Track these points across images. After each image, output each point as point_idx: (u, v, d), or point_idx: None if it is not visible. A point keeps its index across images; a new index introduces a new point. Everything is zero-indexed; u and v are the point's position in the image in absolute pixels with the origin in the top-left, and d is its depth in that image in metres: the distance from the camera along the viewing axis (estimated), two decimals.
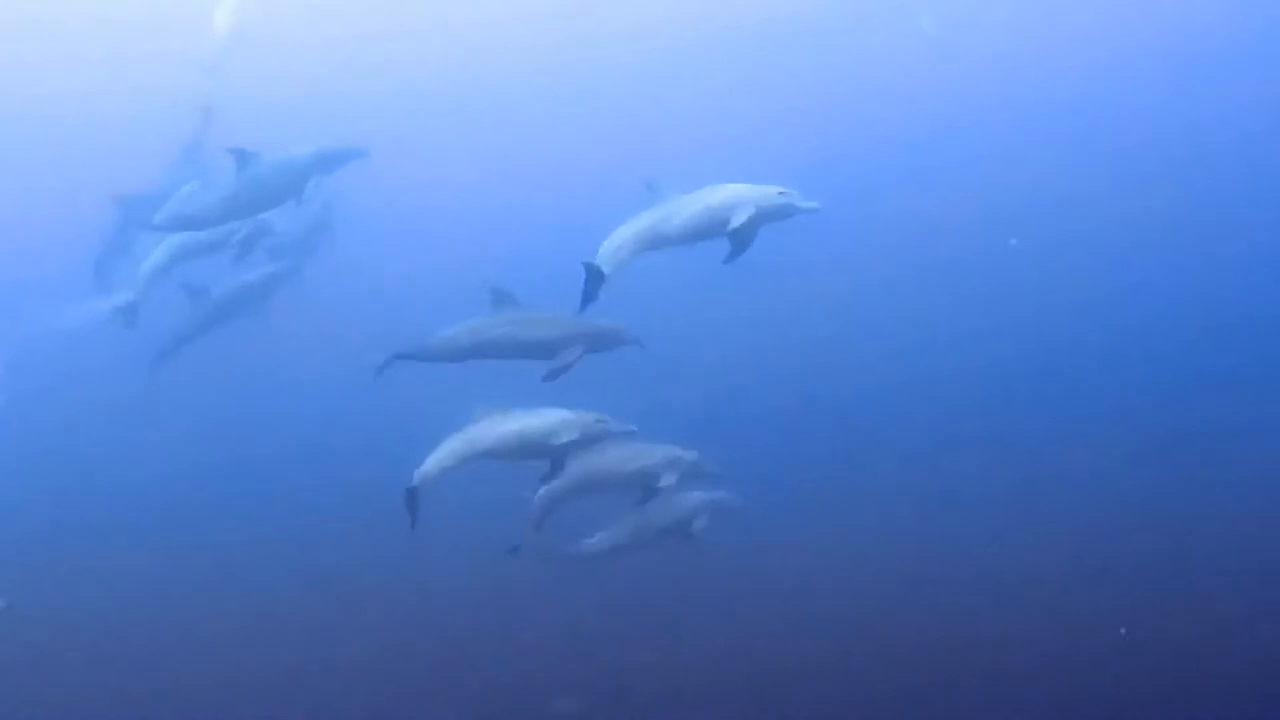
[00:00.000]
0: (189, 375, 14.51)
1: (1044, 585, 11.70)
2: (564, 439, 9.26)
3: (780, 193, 8.64)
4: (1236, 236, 18.46)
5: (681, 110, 19.90)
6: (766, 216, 8.62)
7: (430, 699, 10.59)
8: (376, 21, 19.82)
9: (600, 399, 9.48)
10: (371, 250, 16.88)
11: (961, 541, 13.00)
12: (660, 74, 20.28)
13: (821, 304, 17.58)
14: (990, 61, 20.39)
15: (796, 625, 11.25)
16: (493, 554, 10.66)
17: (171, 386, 15.04)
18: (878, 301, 18.07)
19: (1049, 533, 12.96)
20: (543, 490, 10.32)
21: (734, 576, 12.05)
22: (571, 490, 10.17)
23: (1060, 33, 20.44)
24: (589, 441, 9.37)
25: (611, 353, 9.53)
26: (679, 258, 9.37)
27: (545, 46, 20.14)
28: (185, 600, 12.56)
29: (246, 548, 13.71)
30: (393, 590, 12.53)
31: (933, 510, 13.96)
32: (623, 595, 11.81)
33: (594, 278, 8.75)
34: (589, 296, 8.81)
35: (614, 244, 8.92)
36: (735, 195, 8.70)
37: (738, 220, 8.54)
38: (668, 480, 10.34)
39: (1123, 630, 10.87)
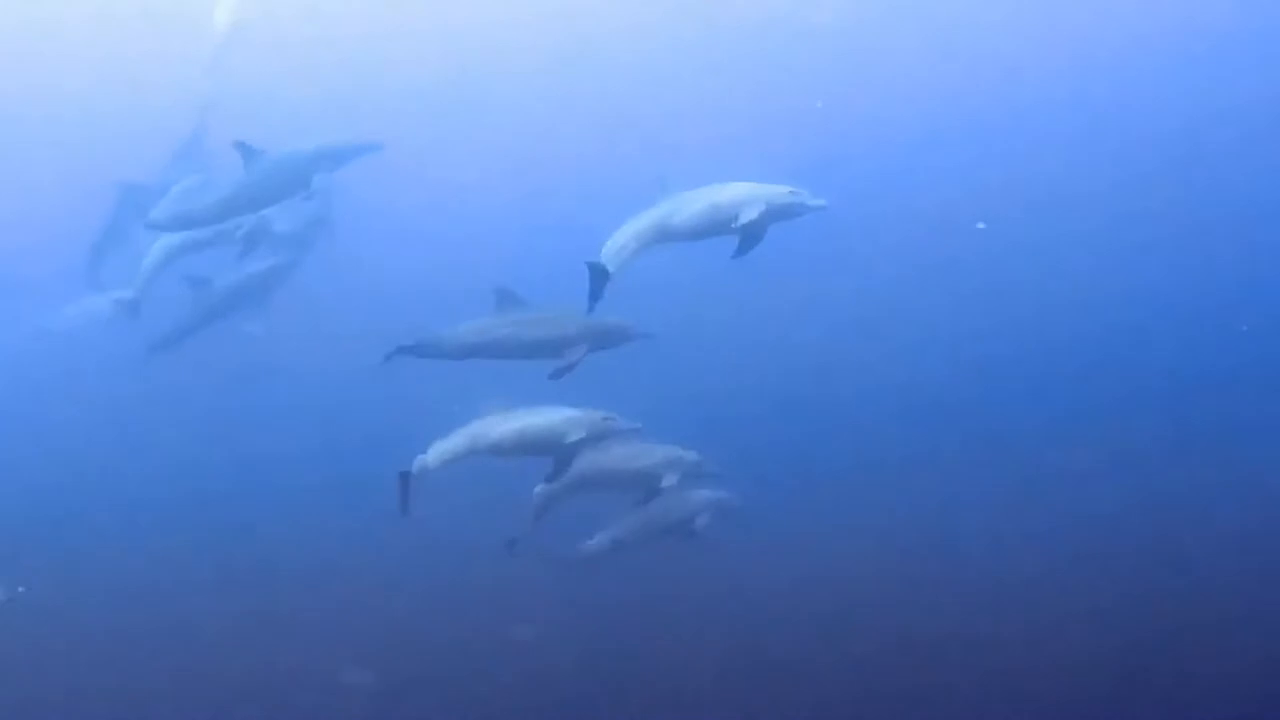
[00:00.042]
0: (194, 372, 14.52)
1: (1044, 585, 11.71)
2: (571, 436, 9.26)
3: (790, 192, 8.68)
4: (1237, 237, 18.46)
5: (684, 109, 19.88)
6: (776, 214, 8.66)
7: (430, 698, 10.58)
8: (379, 19, 19.81)
9: (601, 398, 9.47)
10: (375, 248, 16.86)
11: (961, 541, 13.02)
12: (663, 73, 20.26)
13: (821, 303, 17.57)
14: (990, 62, 20.37)
15: (796, 625, 11.25)
16: (493, 553, 10.66)
17: (176, 384, 15.07)
18: (878, 301, 18.05)
19: (1049, 533, 12.97)
20: (543, 484, 10.33)
21: (734, 576, 12.05)
22: (572, 487, 10.16)
23: (1061, 33, 20.43)
24: (596, 439, 9.36)
25: (614, 350, 9.51)
26: (678, 258, 9.37)
27: (549, 45, 20.12)
28: (184, 598, 12.54)
29: (247, 546, 13.71)
30: (393, 589, 12.53)
31: (932, 510, 13.96)
32: (623, 595, 11.81)
33: (598, 277, 8.76)
34: (595, 296, 8.81)
35: (618, 241, 8.92)
36: (744, 193, 8.73)
37: (747, 217, 8.58)
38: (669, 481, 10.36)
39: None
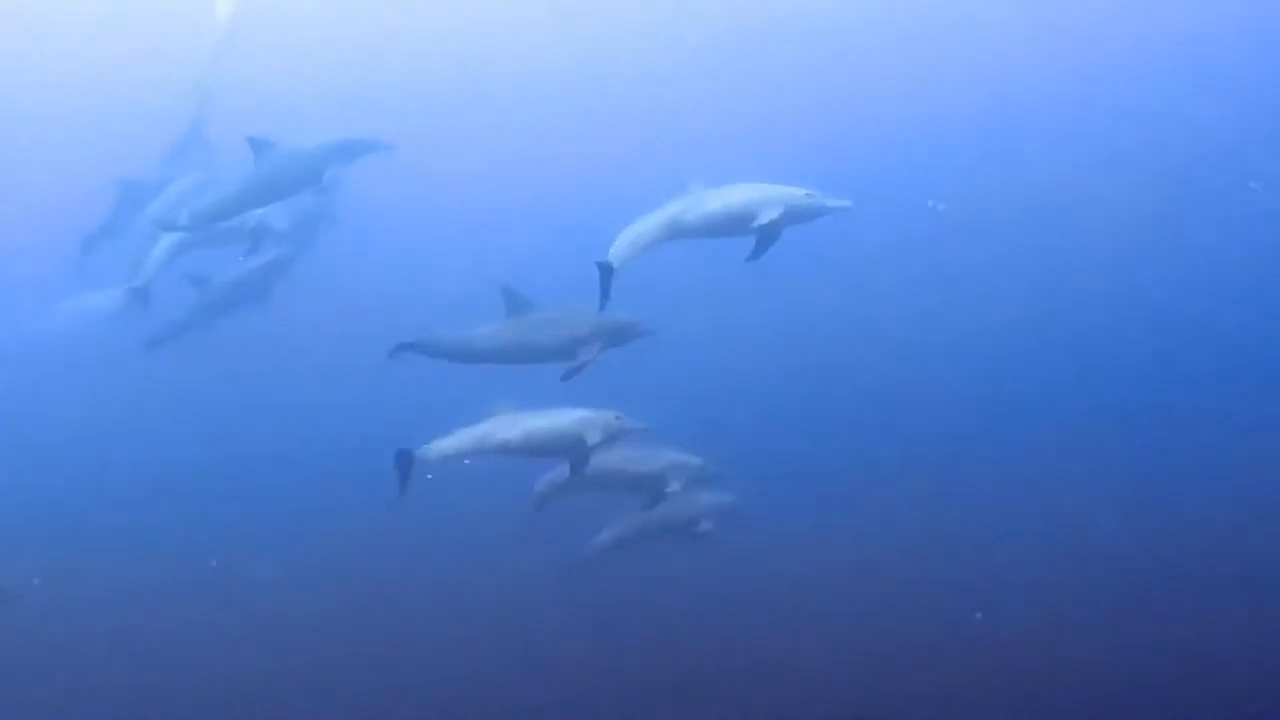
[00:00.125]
0: (195, 371, 14.52)
1: (1045, 587, 11.72)
2: (589, 437, 9.23)
3: (807, 194, 8.68)
4: (1238, 239, 18.46)
5: (687, 109, 19.89)
6: (795, 216, 8.66)
7: (430, 698, 10.58)
8: (383, 19, 19.80)
9: (602, 398, 9.47)
10: (377, 249, 16.90)
11: (961, 543, 13.01)
12: (667, 73, 20.27)
13: (821, 304, 17.56)
14: (992, 63, 20.37)
15: (797, 625, 11.25)
16: (494, 553, 10.67)
17: (177, 382, 15.06)
18: (879, 303, 18.06)
19: (1050, 534, 12.97)
20: (546, 477, 10.32)
21: (734, 576, 12.05)
22: (576, 485, 10.13)
23: (1063, 34, 20.43)
24: (608, 439, 9.34)
25: (615, 350, 9.50)
26: (679, 259, 9.38)
27: (552, 45, 20.12)
28: (184, 598, 12.54)
29: (247, 546, 13.71)
30: (394, 587, 12.53)
31: (933, 512, 13.96)
32: (624, 595, 11.81)
33: (607, 274, 8.77)
34: (605, 293, 8.81)
35: (628, 237, 8.92)
36: (763, 194, 8.72)
37: (766, 218, 8.58)
38: (674, 486, 10.36)
39: (978, 615, 10.95)
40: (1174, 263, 18.35)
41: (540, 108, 20.54)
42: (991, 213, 18.66)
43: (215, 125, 13.02)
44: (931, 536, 13.30)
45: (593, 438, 9.21)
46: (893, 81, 20.43)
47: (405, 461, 8.96)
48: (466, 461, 9.31)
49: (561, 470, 10.13)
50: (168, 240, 11.89)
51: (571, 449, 9.39)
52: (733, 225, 8.80)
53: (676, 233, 8.96)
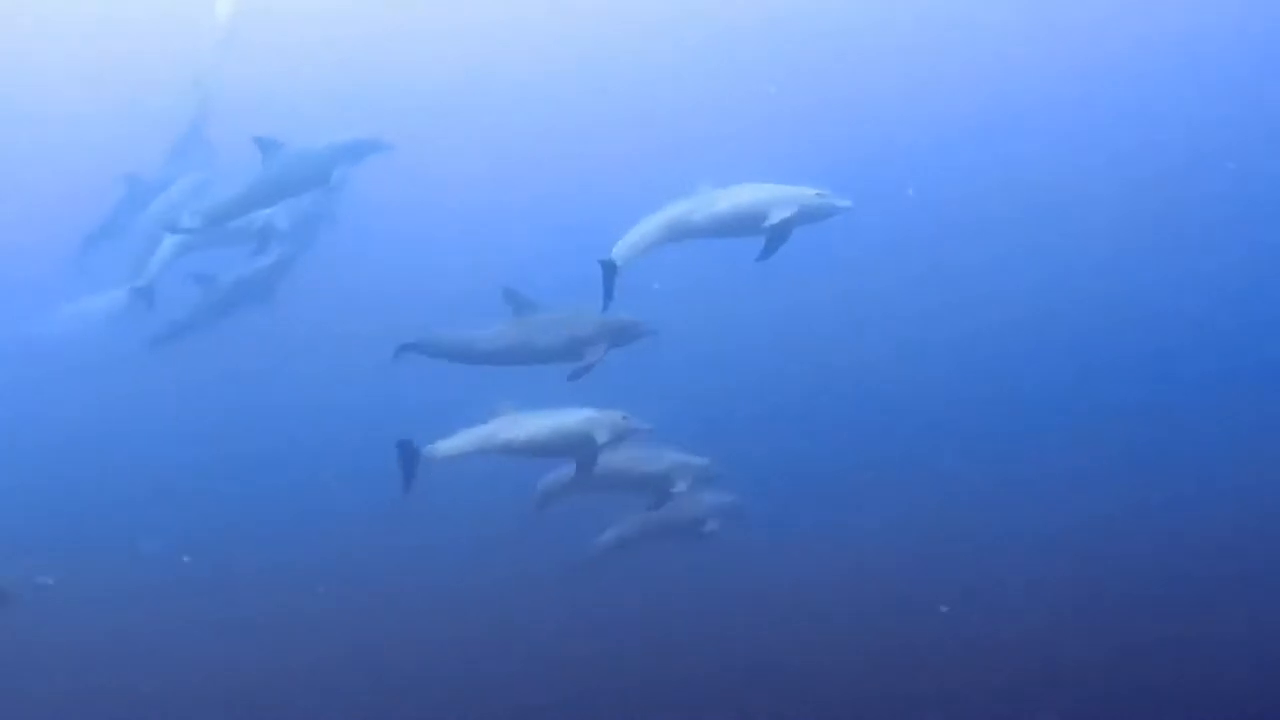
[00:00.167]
0: (197, 372, 14.52)
1: (1047, 588, 11.71)
2: (598, 436, 9.23)
3: (817, 194, 8.69)
4: (1237, 238, 18.47)
5: (687, 110, 19.90)
6: (805, 216, 8.66)
7: (431, 698, 10.57)
8: (386, 17, 19.81)
9: (604, 399, 9.47)
10: (378, 249, 16.91)
11: (963, 543, 13.02)
12: (670, 73, 20.28)
13: (822, 305, 17.58)
14: (994, 64, 20.38)
15: (797, 625, 11.25)
16: (495, 553, 10.66)
17: (178, 383, 15.05)
18: (879, 303, 18.07)
19: (1052, 535, 12.97)
20: (549, 477, 10.32)
21: (735, 577, 12.04)
22: (579, 485, 10.13)
23: (1065, 35, 20.44)
24: (614, 440, 9.34)
25: (616, 351, 9.50)
26: (681, 260, 9.38)
27: (556, 44, 20.13)
28: (184, 598, 12.54)
29: (247, 546, 13.72)
30: (394, 587, 12.53)
31: (934, 513, 13.96)
32: (625, 595, 11.82)
33: (610, 273, 8.77)
34: (608, 292, 8.81)
35: (633, 236, 8.92)
36: (773, 194, 8.72)
37: (778, 218, 8.58)
38: (680, 487, 10.36)
39: (943, 609, 10.96)
40: (1174, 263, 18.37)
41: (541, 108, 20.56)
42: (992, 213, 18.68)
43: (216, 125, 13.04)
44: (932, 536, 13.31)
45: (600, 438, 9.22)
46: (893, 82, 20.45)
47: (408, 454, 8.94)
48: (472, 461, 9.31)
49: (564, 470, 10.14)
50: (172, 240, 11.89)
51: (578, 449, 9.39)
52: (743, 225, 8.80)
53: (684, 233, 8.96)
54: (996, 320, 17.80)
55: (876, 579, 12.11)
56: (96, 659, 11.22)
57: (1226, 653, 10.03)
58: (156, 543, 13.42)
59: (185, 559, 13.22)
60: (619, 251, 8.86)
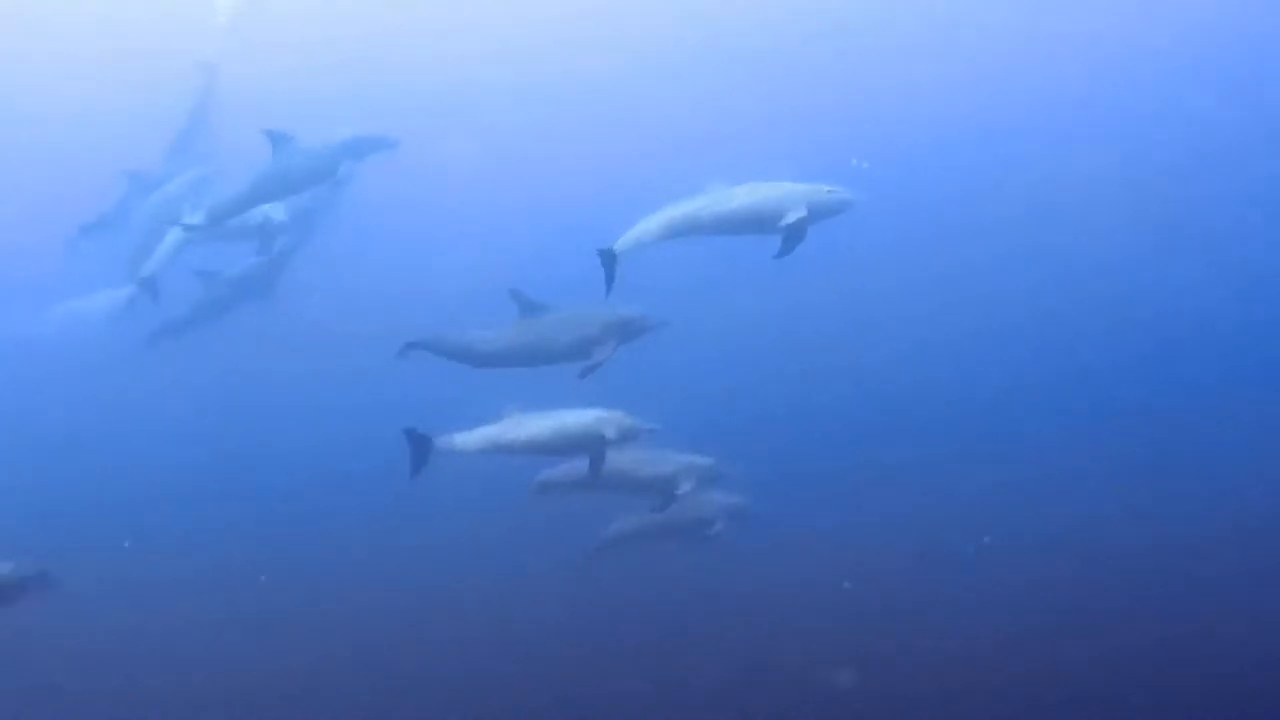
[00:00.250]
0: (196, 371, 14.50)
1: (1045, 586, 11.71)
2: (598, 436, 9.24)
3: (829, 190, 8.71)
4: (1240, 241, 18.48)
5: (688, 110, 19.90)
6: (821, 213, 8.68)
7: (431, 698, 10.56)
8: (386, 17, 19.82)
9: (607, 398, 9.47)
10: (381, 247, 16.90)
11: (965, 544, 13.02)
12: (671, 73, 20.28)
13: (825, 305, 17.57)
14: (994, 63, 20.38)
15: (798, 626, 11.24)
16: (495, 553, 10.66)
17: (178, 382, 15.04)
18: (882, 304, 18.08)
19: (1053, 536, 12.97)
20: (553, 470, 10.33)
21: (737, 577, 12.04)
22: (586, 485, 10.13)
23: (1066, 36, 20.43)
24: (623, 440, 9.36)
25: (624, 347, 9.50)
26: (682, 261, 9.37)
27: (556, 44, 20.13)
28: (184, 598, 12.53)
29: (247, 545, 13.71)
30: (394, 587, 12.53)
31: (935, 514, 13.96)
32: (626, 595, 11.81)
33: (610, 262, 8.78)
34: (609, 281, 8.82)
35: (639, 228, 8.93)
36: (789, 192, 8.73)
37: (795, 216, 8.59)
38: (685, 488, 10.36)
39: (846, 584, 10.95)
40: (1175, 264, 18.37)
41: (541, 107, 20.55)
42: (992, 213, 18.67)
43: (216, 123, 13.04)
44: (932, 536, 13.31)
45: (608, 437, 9.24)
46: (894, 82, 20.44)
47: (418, 442, 8.98)
48: (474, 461, 9.33)
49: (568, 464, 10.15)
50: (176, 233, 11.89)
51: (586, 449, 9.42)
52: (754, 223, 8.82)
53: (693, 230, 8.98)
54: (997, 321, 17.81)
55: (876, 579, 12.10)
56: (96, 659, 11.21)
57: (1227, 653, 10.04)
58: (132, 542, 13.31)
59: (126, 544, 13.17)
60: (622, 241, 8.88)
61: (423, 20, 20.00)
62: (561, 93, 20.55)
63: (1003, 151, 19.92)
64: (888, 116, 20.41)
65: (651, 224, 8.94)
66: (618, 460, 9.82)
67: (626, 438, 9.37)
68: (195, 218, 11.11)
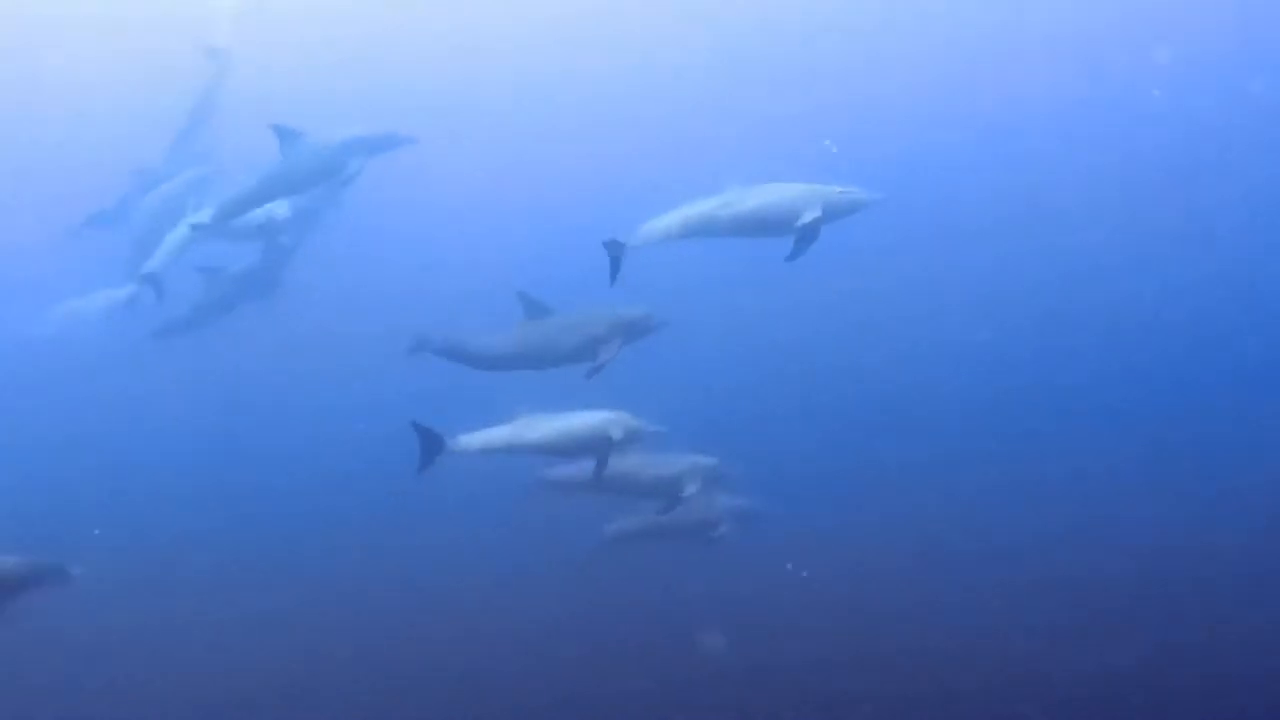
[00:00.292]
0: (197, 372, 14.50)
1: (1050, 586, 11.71)
2: (605, 437, 9.27)
3: (841, 190, 8.74)
4: (1244, 244, 18.49)
5: (689, 110, 19.91)
6: (835, 213, 8.70)
7: (431, 697, 10.56)
8: (386, 17, 19.84)
9: (611, 400, 9.49)
10: (381, 247, 16.90)
11: (967, 545, 13.02)
12: (672, 73, 20.29)
13: (829, 305, 17.58)
14: (997, 65, 20.39)
15: (799, 626, 11.24)
16: (495, 553, 10.65)
17: (178, 382, 15.03)
18: (885, 305, 18.09)
19: (1055, 537, 12.97)
20: (559, 470, 10.35)
21: (738, 577, 12.04)
22: (592, 487, 10.15)
23: (1063, 36, 20.45)
24: (629, 441, 9.40)
25: (629, 347, 9.51)
26: (684, 261, 9.38)
27: (557, 44, 20.14)
28: (184, 598, 12.53)
29: (247, 545, 13.71)
30: (394, 587, 12.53)
31: (937, 514, 13.97)
32: (626, 595, 11.81)
33: (617, 253, 8.79)
34: (614, 272, 8.85)
35: (651, 224, 8.94)
36: (803, 193, 8.76)
37: (810, 216, 8.61)
38: (690, 490, 10.38)
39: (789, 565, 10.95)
40: (1179, 265, 18.38)
41: (542, 108, 20.56)
42: (994, 215, 18.68)
43: (217, 120, 13.04)
44: (932, 536, 13.31)
45: (620, 436, 9.31)
46: (899, 84, 20.45)
47: (428, 438, 9.00)
48: (476, 461, 9.37)
49: (574, 466, 10.17)
50: (181, 230, 11.87)
51: (594, 449, 9.44)
52: (769, 224, 8.85)
53: (709, 229, 9.01)
54: (997, 321, 17.81)
55: (876, 579, 12.11)
56: (96, 658, 11.21)
57: (1227, 654, 10.04)
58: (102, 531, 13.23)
59: (96, 531, 13.14)
60: (637, 237, 8.90)
61: (426, 20, 20.01)
62: (565, 93, 20.56)
63: (1004, 152, 19.93)
64: (888, 116, 20.42)
65: (667, 221, 8.97)
66: (623, 462, 9.84)
67: (632, 439, 9.40)
68: (202, 216, 11.11)
